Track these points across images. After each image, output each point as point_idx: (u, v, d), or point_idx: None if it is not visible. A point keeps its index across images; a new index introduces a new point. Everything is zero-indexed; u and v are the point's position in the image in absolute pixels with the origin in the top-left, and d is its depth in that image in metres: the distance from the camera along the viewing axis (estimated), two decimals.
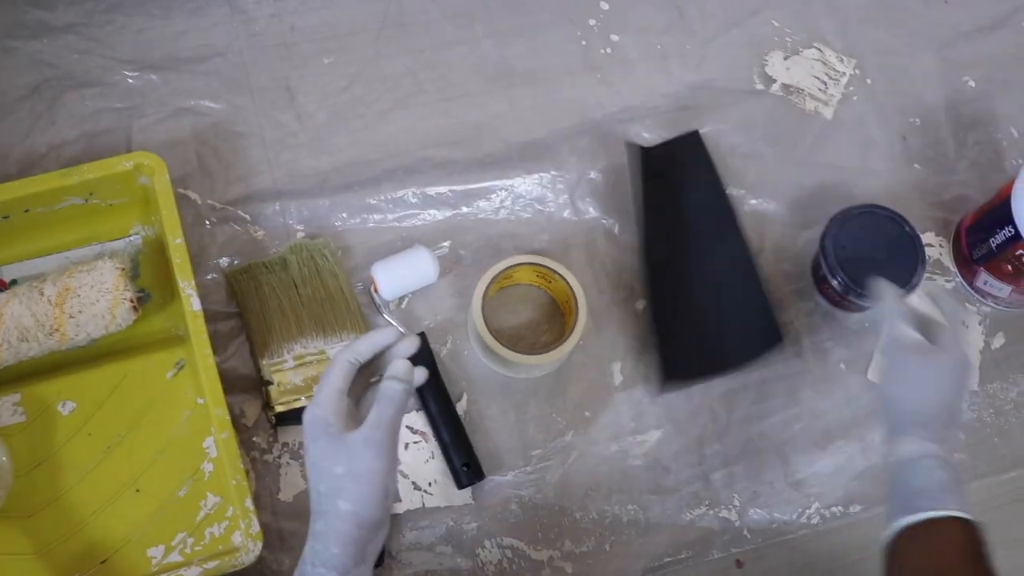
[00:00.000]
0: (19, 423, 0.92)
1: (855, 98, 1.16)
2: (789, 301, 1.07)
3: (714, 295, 1.02)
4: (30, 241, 0.98)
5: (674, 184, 1.06)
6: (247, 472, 0.93)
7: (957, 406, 0.86)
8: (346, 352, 0.78)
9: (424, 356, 0.97)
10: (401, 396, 0.76)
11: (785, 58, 1.16)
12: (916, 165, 1.13)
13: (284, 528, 0.93)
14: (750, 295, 1.02)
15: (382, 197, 1.05)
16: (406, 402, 0.77)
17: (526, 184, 1.07)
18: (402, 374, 0.77)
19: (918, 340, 0.86)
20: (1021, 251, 0.99)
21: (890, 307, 0.89)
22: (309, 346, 0.97)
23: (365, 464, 0.73)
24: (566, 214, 1.07)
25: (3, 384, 0.93)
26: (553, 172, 1.08)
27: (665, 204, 1.05)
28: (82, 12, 1.09)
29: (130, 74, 1.06)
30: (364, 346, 0.79)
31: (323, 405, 0.76)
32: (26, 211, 0.95)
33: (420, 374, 0.79)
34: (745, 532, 0.99)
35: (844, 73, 1.16)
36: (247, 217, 1.03)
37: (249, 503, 0.87)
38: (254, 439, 0.96)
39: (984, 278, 1.06)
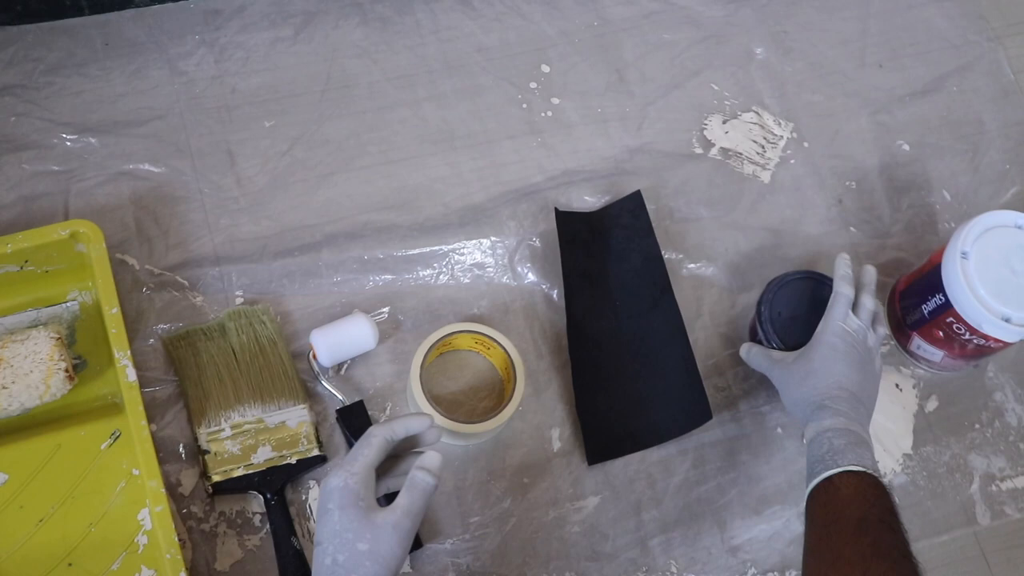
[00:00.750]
0: None
1: (792, 161, 1.18)
2: (726, 365, 1.08)
3: (643, 366, 1.04)
4: None
5: (609, 249, 1.08)
6: (183, 542, 0.93)
7: (860, 385, 0.94)
8: (384, 430, 0.82)
9: (361, 423, 0.98)
10: (431, 488, 0.80)
11: (724, 121, 1.18)
12: (852, 228, 1.16)
13: None
14: (681, 367, 1.04)
15: (322, 262, 1.05)
16: (433, 494, 0.80)
17: (466, 249, 1.08)
18: (435, 468, 0.80)
19: (776, 358, 0.99)
20: (952, 319, 1.01)
21: (751, 357, 1.02)
22: (247, 414, 0.97)
23: (388, 548, 0.76)
24: (505, 279, 1.08)
25: None
26: (493, 238, 1.09)
27: (597, 270, 1.07)
28: (20, 73, 1.09)
29: (68, 137, 1.06)
30: (400, 428, 0.82)
31: (357, 477, 0.78)
32: None
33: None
34: None
35: (782, 136, 1.19)
36: (186, 283, 1.03)
37: (183, 575, 0.87)
38: (191, 508, 0.95)
39: (917, 342, 1.08)
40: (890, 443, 1.07)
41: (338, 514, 0.77)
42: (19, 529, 0.91)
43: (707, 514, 1.03)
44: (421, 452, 0.84)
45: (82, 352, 0.99)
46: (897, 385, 1.10)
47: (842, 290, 0.97)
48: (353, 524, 0.77)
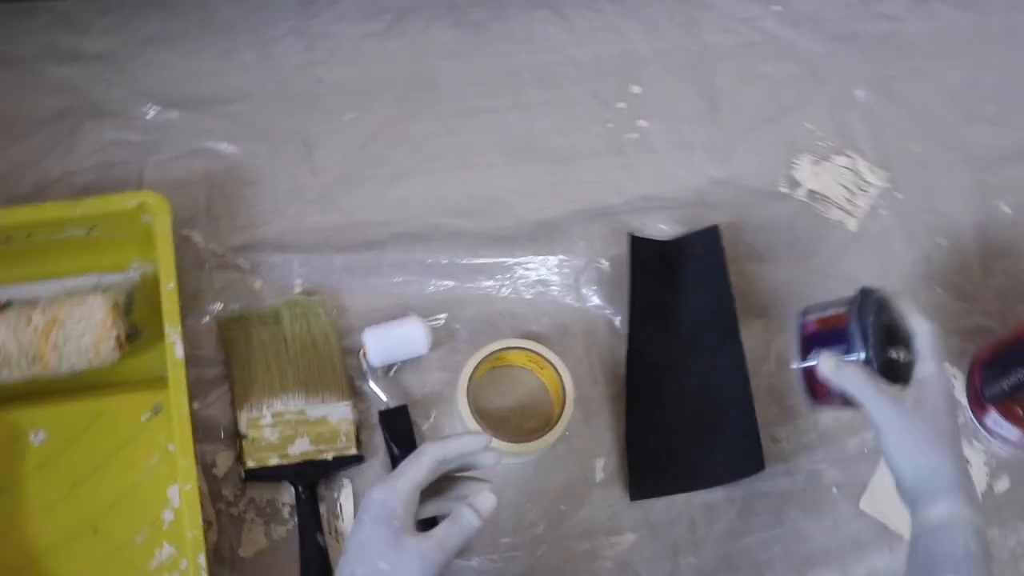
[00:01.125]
0: None
1: (882, 212, 1.13)
2: (787, 416, 1.03)
3: (701, 405, 1.00)
4: (29, 265, 0.98)
5: (680, 281, 1.04)
6: (210, 524, 0.93)
7: (960, 447, 0.81)
8: (436, 449, 0.78)
9: (403, 428, 0.96)
10: (473, 530, 0.76)
11: (814, 163, 1.14)
12: (937, 288, 1.10)
13: None
14: (740, 412, 1.00)
15: (385, 261, 1.04)
16: (473, 536, 0.76)
17: (532, 265, 1.06)
18: (485, 510, 0.76)
19: (889, 393, 0.81)
20: None
21: (848, 377, 0.83)
22: (290, 404, 0.96)
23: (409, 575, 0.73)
24: (569, 299, 1.05)
25: None
26: (561, 256, 1.06)
27: (664, 302, 1.03)
28: (115, 42, 1.10)
29: (152, 109, 1.07)
30: (454, 448, 0.78)
31: (399, 495, 0.75)
32: (28, 236, 0.96)
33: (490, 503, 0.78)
34: None
35: (874, 185, 1.14)
36: (247, 266, 1.02)
37: (202, 559, 0.85)
38: (222, 491, 0.94)
39: (994, 417, 1.02)
40: None
41: (370, 528, 0.75)
42: (51, 490, 0.91)
43: (747, 568, 0.98)
44: (477, 480, 0.82)
45: (137, 322, 0.99)
46: (967, 460, 1.04)
47: (933, 326, 0.84)
48: (380, 542, 0.74)
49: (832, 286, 1.08)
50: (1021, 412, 0.98)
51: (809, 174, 1.13)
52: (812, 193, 1.13)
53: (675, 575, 0.97)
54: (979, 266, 1.12)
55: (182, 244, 1.02)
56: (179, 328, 0.92)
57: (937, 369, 0.82)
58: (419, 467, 0.77)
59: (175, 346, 0.91)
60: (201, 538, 0.86)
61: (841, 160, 1.14)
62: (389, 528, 0.74)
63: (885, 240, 1.12)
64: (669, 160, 1.12)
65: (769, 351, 1.05)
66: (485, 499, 0.77)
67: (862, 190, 1.13)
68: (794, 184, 1.13)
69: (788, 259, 1.09)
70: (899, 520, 1.00)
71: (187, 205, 1.04)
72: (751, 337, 1.04)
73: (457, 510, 0.76)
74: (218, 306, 1.01)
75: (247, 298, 1.01)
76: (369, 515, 0.75)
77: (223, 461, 0.95)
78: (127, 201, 0.95)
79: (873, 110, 1.17)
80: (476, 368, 0.96)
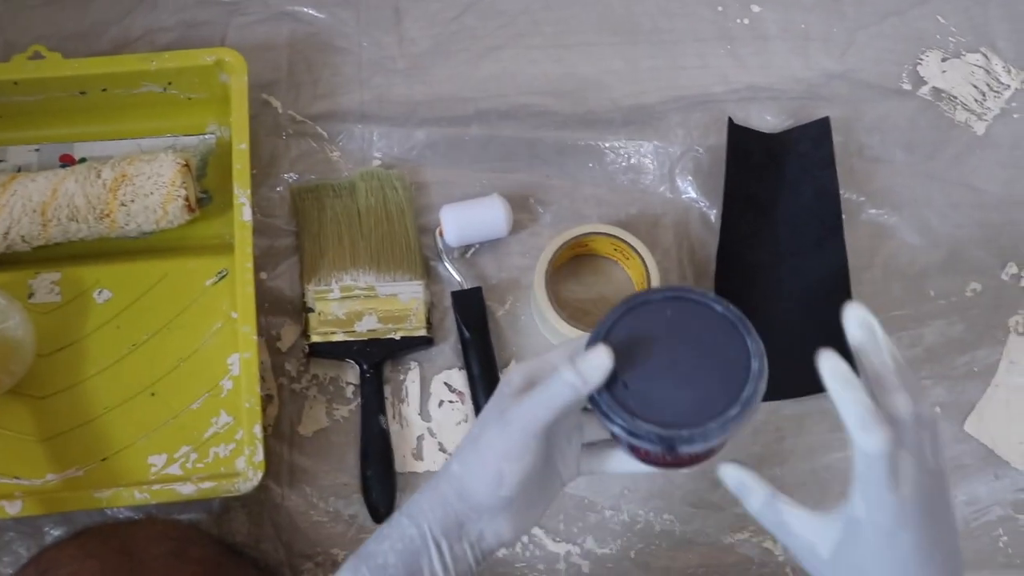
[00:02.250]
0: (53, 303, 0.89)
1: (1016, 116, 1.01)
2: (890, 327, 0.93)
3: (795, 308, 0.91)
4: (105, 122, 0.95)
5: (782, 177, 0.95)
6: (271, 398, 0.89)
7: None
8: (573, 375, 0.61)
9: (476, 311, 0.90)
10: (572, 396, 0.60)
11: (943, 60, 1.03)
12: None
13: (297, 463, 0.88)
14: (837, 317, 0.90)
15: (470, 138, 0.97)
16: (568, 406, 0.61)
17: (625, 150, 0.98)
18: (588, 372, 0.59)
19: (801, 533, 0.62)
20: None
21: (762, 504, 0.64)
22: (359, 279, 0.91)
23: (487, 436, 0.63)
24: (661, 189, 0.97)
25: (46, 261, 0.90)
26: (656, 143, 0.98)
27: (763, 197, 0.95)
28: None
29: None
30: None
31: (524, 368, 0.65)
32: (103, 90, 0.92)
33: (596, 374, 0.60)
34: (788, 570, 0.88)
35: (1009, 86, 1.02)
36: (325, 135, 0.97)
37: (258, 430, 0.81)
38: (286, 365, 0.90)
39: None
40: None
41: (489, 400, 0.66)
42: (112, 349, 0.88)
43: (835, 484, 0.90)
44: None
45: (210, 187, 0.94)
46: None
47: (866, 428, 0.57)
48: (485, 410, 0.65)
49: (951, 192, 0.98)
50: None
51: (936, 71, 1.02)
52: (937, 91, 1.02)
53: None
54: None
55: (261, 109, 0.97)
56: (248, 190, 0.87)
57: (881, 506, 0.57)
58: (546, 399, 0.62)
59: (243, 208, 0.87)
60: (258, 408, 0.82)
61: (974, 58, 1.03)
62: (500, 397, 0.64)
63: (1016, 147, 1.00)
64: (781, 49, 1.03)
65: (875, 257, 0.96)
66: (591, 357, 0.60)
67: (995, 91, 1.02)
68: (918, 81, 1.02)
69: (904, 160, 0.99)
70: (1007, 446, 0.91)
71: (268, 69, 0.98)
72: (855, 240, 0.95)
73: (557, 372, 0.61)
74: (293, 175, 0.96)
75: (323, 168, 0.96)
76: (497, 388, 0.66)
77: (288, 335, 0.91)
78: (204, 57, 0.91)
79: (1015, 5, 1.05)
80: (557, 253, 0.89)
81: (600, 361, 0.59)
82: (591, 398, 0.61)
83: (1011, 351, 0.94)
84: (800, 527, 0.60)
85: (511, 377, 0.64)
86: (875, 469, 0.56)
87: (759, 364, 0.62)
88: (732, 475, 0.64)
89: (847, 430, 0.58)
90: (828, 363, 0.58)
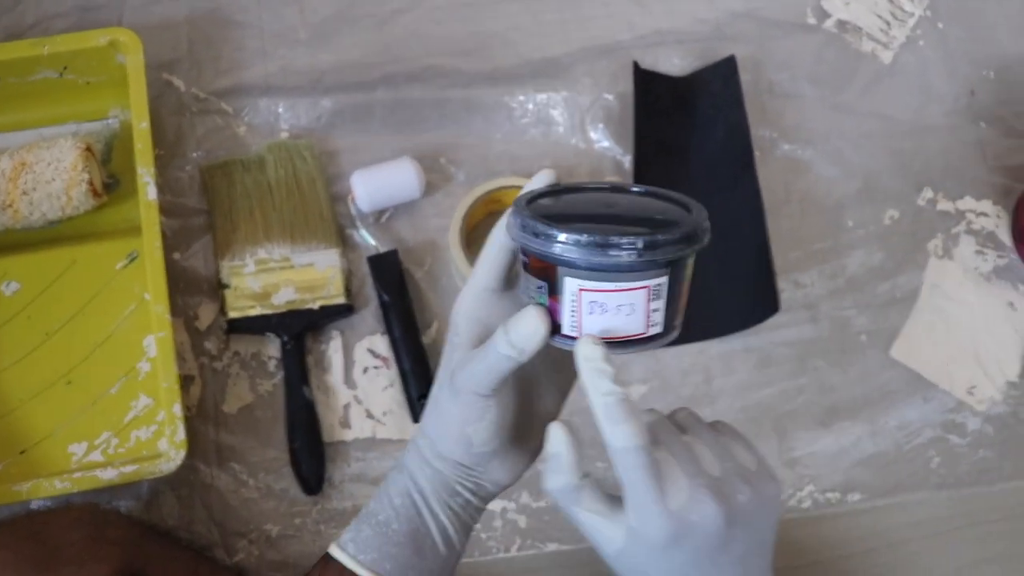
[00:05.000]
0: None
1: (921, 43, 1.00)
2: (812, 260, 0.93)
3: (714, 249, 0.89)
4: (4, 114, 0.91)
5: (692, 119, 0.94)
6: (193, 379, 0.86)
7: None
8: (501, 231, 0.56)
9: (393, 274, 0.88)
10: (502, 365, 0.53)
11: None
12: (982, 124, 0.98)
13: (224, 442, 0.85)
14: (754, 254, 0.89)
15: (377, 103, 0.95)
16: (512, 371, 0.54)
17: (533, 104, 0.95)
18: (519, 339, 0.53)
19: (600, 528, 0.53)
20: None
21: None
22: (273, 252, 0.88)
23: (442, 400, 0.58)
24: (574, 140, 0.95)
25: None
26: (565, 93, 0.96)
27: (674, 141, 0.93)
28: None
29: None
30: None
31: (460, 303, 0.57)
32: None
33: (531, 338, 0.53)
34: None
35: (912, 14, 1.01)
36: (231, 110, 0.94)
37: (177, 409, 0.78)
38: (206, 344, 0.87)
39: None
40: (993, 368, 0.91)
41: (446, 345, 0.59)
42: (24, 341, 0.84)
43: (766, 421, 0.89)
44: None
45: (117, 171, 0.91)
46: (1011, 303, 0.93)
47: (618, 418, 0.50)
48: (442, 366, 0.59)
49: (863, 124, 0.97)
50: None
51: (839, 3, 1.01)
52: (842, 24, 1.00)
53: None
54: None
55: (163, 89, 0.94)
56: (152, 169, 0.84)
57: (649, 519, 0.50)
58: (488, 259, 0.56)
59: (148, 187, 0.83)
60: (177, 388, 0.79)
61: None
62: (448, 346, 0.58)
63: (923, 74, 0.99)
64: None
65: (791, 192, 0.94)
66: (523, 327, 0.52)
67: (899, 20, 1.01)
68: (822, 15, 1.00)
69: (814, 95, 0.98)
70: (934, 368, 0.91)
71: (168, 49, 0.95)
72: (771, 177, 0.94)
73: (491, 339, 0.54)
74: (201, 153, 0.92)
75: (232, 144, 0.93)
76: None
77: (206, 314, 0.88)
78: (98, 38, 0.87)
79: None
80: (470, 210, 0.87)
81: (533, 329, 0.52)
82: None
83: (932, 275, 0.93)
84: (588, 525, 0.53)
85: (455, 321, 0.57)
86: (633, 472, 0.49)
87: (699, 212, 0.55)
88: (557, 437, 0.53)
89: (597, 424, 0.50)
90: (583, 349, 0.51)
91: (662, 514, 0.50)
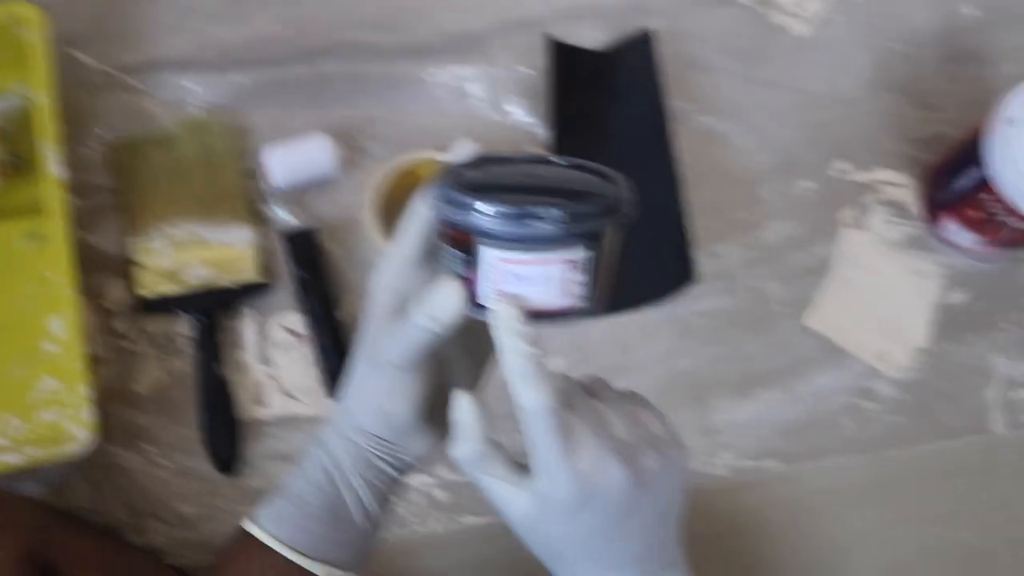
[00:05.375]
0: None
1: (836, 16, 1.01)
2: (729, 232, 0.94)
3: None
4: None
5: (609, 93, 0.94)
6: (101, 360, 0.84)
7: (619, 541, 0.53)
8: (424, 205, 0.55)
9: (309, 251, 0.88)
10: (420, 339, 0.53)
11: None
12: (893, 96, 0.99)
13: (135, 422, 0.84)
14: (670, 224, 0.90)
15: (291, 78, 0.93)
16: (432, 344, 0.54)
17: (450, 77, 0.95)
18: (433, 311, 0.52)
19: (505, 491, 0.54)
20: (987, 195, 0.85)
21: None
22: (185, 229, 0.87)
23: (360, 372, 0.58)
24: (492, 114, 0.94)
25: None
26: (482, 66, 0.95)
27: (591, 114, 0.93)
28: None
29: None
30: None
31: (381, 276, 0.56)
32: None
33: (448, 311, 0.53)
34: None
35: None
36: (140, 87, 0.92)
37: (84, 390, 0.77)
38: (115, 324, 0.86)
39: (946, 225, 0.92)
40: (902, 335, 0.93)
41: (364, 316, 0.58)
42: None
43: (686, 389, 0.90)
44: None
45: (20, 151, 0.89)
46: (920, 271, 0.94)
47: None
48: (361, 339, 0.58)
49: (778, 97, 0.98)
50: (973, 215, 0.88)
51: None
52: None
53: None
54: (939, 72, 1.00)
55: (68, 64, 0.91)
56: (55, 144, 0.82)
57: (556, 480, 0.50)
58: (408, 229, 0.55)
59: (51, 165, 0.81)
60: (83, 368, 0.77)
61: None
62: (365, 317, 0.57)
63: (838, 47, 1.00)
64: None
65: (708, 164, 0.95)
66: (439, 298, 0.52)
67: None
68: None
69: (731, 68, 0.98)
70: (846, 336, 0.92)
71: (73, 23, 0.93)
72: (688, 149, 0.94)
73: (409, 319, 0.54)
74: (109, 131, 0.91)
75: (141, 121, 0.91)
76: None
77: (115, 293, 0.87)
78: None
79: None
80: (385, 183, 0.86)
81: (450, 301, 0.52)
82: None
83: (843, 244, 0.95)
84: (492, 492, 0.53)
85: (373, 292, 0.56)
86: (543, 433, 0.49)
87: (624, 185, 0.54)
88: (463, 407, 0.52)
89: (508, 385, 0.50)
90: (498, 308, 0.50)
91: (569, 475, 0.49)
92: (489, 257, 0.50)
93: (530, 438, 0.50)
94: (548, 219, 0.49)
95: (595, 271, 0.52)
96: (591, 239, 0.50)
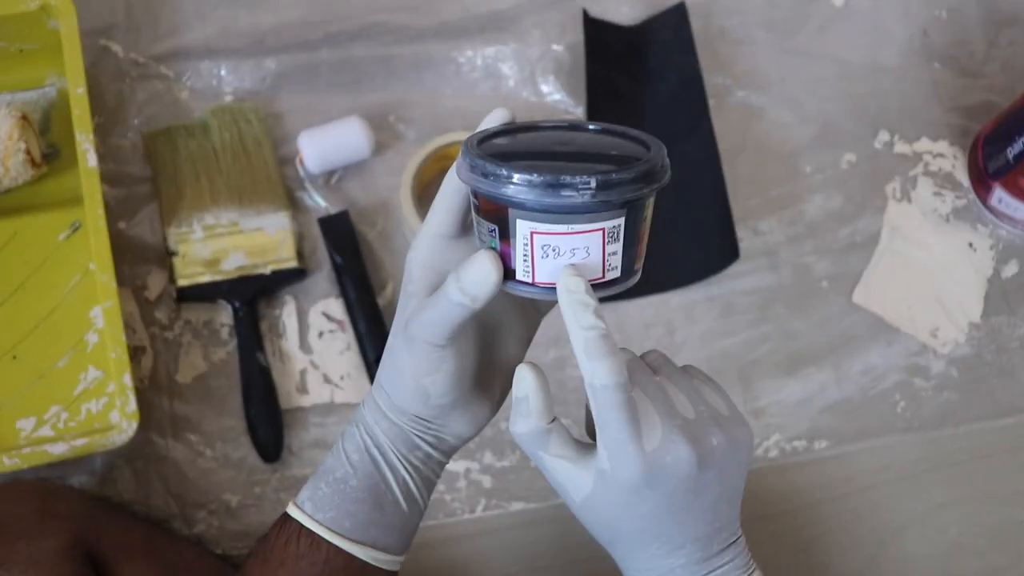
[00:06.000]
0: None
1: None
2: (770, 208, 0.93)
3: (670, 199, 0.90)
4: None
5: (644, 69, 0.94)
6: (144, 350, 0.85)
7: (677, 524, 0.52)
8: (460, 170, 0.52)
9: (345, 235, 0.88)
10: (454, 314, 0.51)
11: None
12: (936, 64, 0.98)
13: (178, 412, 0.85)
14: (711, 202, 0.90)
15: (322, 62, 0.94)
16: (466, 319, 0.52)
17: (483, 58, 0.95)
18: (467, 286, 0.50)
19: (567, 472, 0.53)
20: None
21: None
22: (221, 217, 0.88)
23: (396, 350, 0.56)
24: (525, 94, 0.94)
25: None
26: (513, 45, 0.95)
27: (627, 89, 0.93)
28: None
29: None
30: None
31: (415, 251, 0.55)
32: None
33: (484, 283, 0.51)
34: None
35: None
36: (172, 75, 0.92)
37: (127, 379, 0.77)
38: (155, 315, 0.86)
39: (999, 195, 0.91)
40: (955, 309, 0.91)
41: (401, 294, 0.57)
42: None
43: (730, 370, 0.89)
44: None
45: (57, 141, 0.90)
46: (971, 244, 0.93)
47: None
48: (397, 316, 0.56)
49: (818, 68, 0.97)
50: None
51: None
52: None
53: None
54: (983, 38, 0.99)
55: (101, 55, 0.92)
56: (91, 135, 0.83)
57: (624, 460, 0.50)
58: (441, 204, 0.54)
59: (87, 154, 0.82)
60: (126, 358, 0.78)
61: None
62: (403, 295, 0.55)
63: (876, 15, 0.99)
64: None
65: (747, 139, 0.95)
66: (474, 271, 0.50)
67: None
68: None
69: (766, 39, 0.97)
70: (896, 312, 0.91)
71: (104, 14, 0.93)
72: (725, 124, 0.94)
73: (444, 287, 0.52)
74: (143, 120, 0.91)
75: (174, 110, 0.92)
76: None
77: (155, 283, 0.87)
78: (28, 2, 0.85)
79: None
80: (421, 166, 0.87)
81: (485, 275, 0.50)
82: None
83: (891, 218, 0.94)
84: (554, 471, 0.52)
85: (409, 269, 0.56)
86: (611, 410, 0.49)
87: (659, 149, 0.51)
88: (525, 379, 0.51)
89: (578, 362, 0.49)
90: (565, 281, 0.49)
91: (637, 454, 0.49)
92: (522, 228, 0.49)
93: (599, 416, 0.49)
94: (582, 188, 0.47)
95: (633, 242, 0.50)
96: (627, 207, 0.49)
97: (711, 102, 0.93)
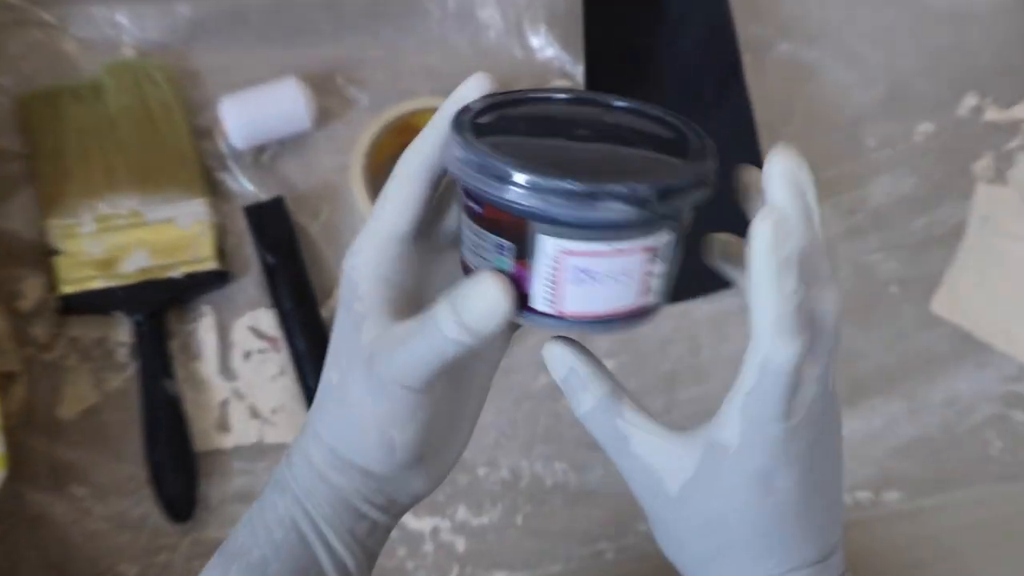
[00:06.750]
0: None
1: None
2: (824, 193, 0.88)
3: None
4: None
5: (658, 17, 0.92)
6: (15, 376, 0.82)
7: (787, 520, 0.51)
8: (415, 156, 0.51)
9: (279, 228, 0.86)
10: (447, 352, 0.48)
11: None
12: None
13: (60, 457, 0.82)
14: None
15: (251, 8, 0.91)
16: (458, 358, 0.49)
17: (454, 2, 0.93)
18: (471, 319, 0.47)
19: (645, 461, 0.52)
20: None
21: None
22: (119, 205, 0.86)
23: (354, 393, 0.53)
24: (509, 48, 0.93)
25: None
26: None
27: (638, 44, 0.92)
28: None
29: None
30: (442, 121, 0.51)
31: (360, 256, 0.52)
32: None
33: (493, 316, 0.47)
34: None
35: None
36: (55, 21, 0.90)
37: None
38: (32, 331, 0.83)
39: None
40: None
41: (338, 313, 0.54)
42: None
43: None
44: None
45: None
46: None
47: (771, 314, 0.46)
48: (341, 338, 0.53)
49: (886, 15, 0.96)
50: None
51: None
52: None
53: (671, 413, 0.87)
54: None
55: None
56: None
57: (763, 437, 0.49)
58: (396, 194, 0.51)
59: None
60: None
61: None
62: (348, 314, 0.52)
63: None
64: None
65: (793, 105, 0.93)
66: (476, 299, 0.47)
67: None
68: None
69: None
70: (988, 325, 0.90)
71: None
72: (766, 87, 0.92)
73: (432, 313, 0.49)
74: (17, 79, 0.88)
75: (57, 65, 0.90)
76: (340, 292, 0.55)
77: (31, 290, 0.85)
78: None
79: None
80: (377, 141, 0.85)
81: (493, 306, 0.47)
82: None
83: (981, 205, 0.92)
84: (644, 447, 0.51)
85: (353, 280, 0.52)
86: (773, 389, 0.47)
87: (703, 138, 0.50)
88: (558, 357, 0.51)
89: (754, 328, 0.47)
90: (763, 228, 0.45)
91: (782, 432, 0.48)
92: (549, 248, 0.45)
93: (751, 390, 0.48)
94: (634, 198, 0.44)
95: (676, 259, 0.49)
96: (676, 220, 0.47)
97: (746, 59, 0.92)
